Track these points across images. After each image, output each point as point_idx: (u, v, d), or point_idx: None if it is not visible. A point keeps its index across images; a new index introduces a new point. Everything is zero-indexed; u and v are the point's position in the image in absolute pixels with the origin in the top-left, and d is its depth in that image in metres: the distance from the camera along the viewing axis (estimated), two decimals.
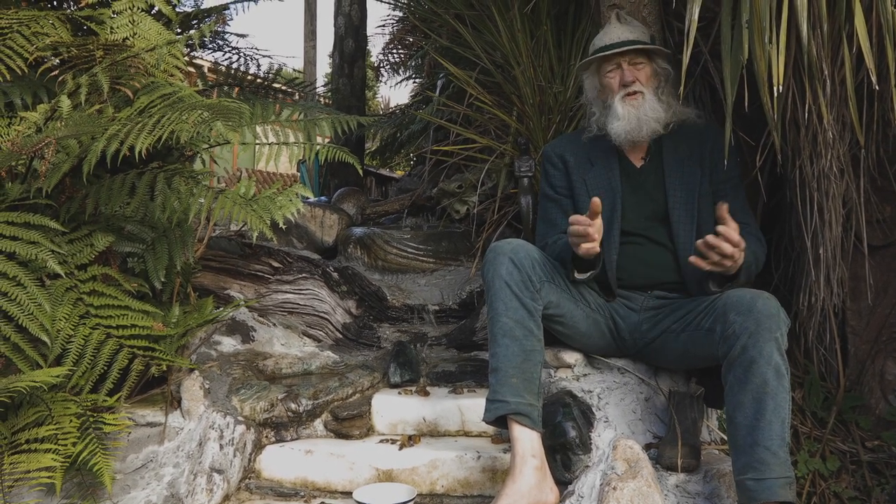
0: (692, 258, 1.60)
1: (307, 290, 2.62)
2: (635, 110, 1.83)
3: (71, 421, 1.65)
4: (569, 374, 1.87)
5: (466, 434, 1.97)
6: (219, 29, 3.69)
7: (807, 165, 1.92)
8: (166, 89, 1.87)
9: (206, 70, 3.77)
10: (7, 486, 1.51)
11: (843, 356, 2.19)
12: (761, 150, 1.93)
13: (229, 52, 3.52)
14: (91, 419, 1.69)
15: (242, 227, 3.18)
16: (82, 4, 2.22)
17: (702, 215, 1.84)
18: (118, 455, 1.78)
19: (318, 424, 2.00)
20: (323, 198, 4.25)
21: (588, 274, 1.75)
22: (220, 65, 3.72)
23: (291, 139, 2.21)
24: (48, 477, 1.54)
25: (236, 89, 3.39)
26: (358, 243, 3.10)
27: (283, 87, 3.94)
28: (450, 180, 3.32)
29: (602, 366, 1.87)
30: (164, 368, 1.90)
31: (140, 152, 1.59)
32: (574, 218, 1.65)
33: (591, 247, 1.64)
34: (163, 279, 1.99)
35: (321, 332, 2.56)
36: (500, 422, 1.65)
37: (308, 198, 3.76)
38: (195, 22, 3.07)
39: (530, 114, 2.86)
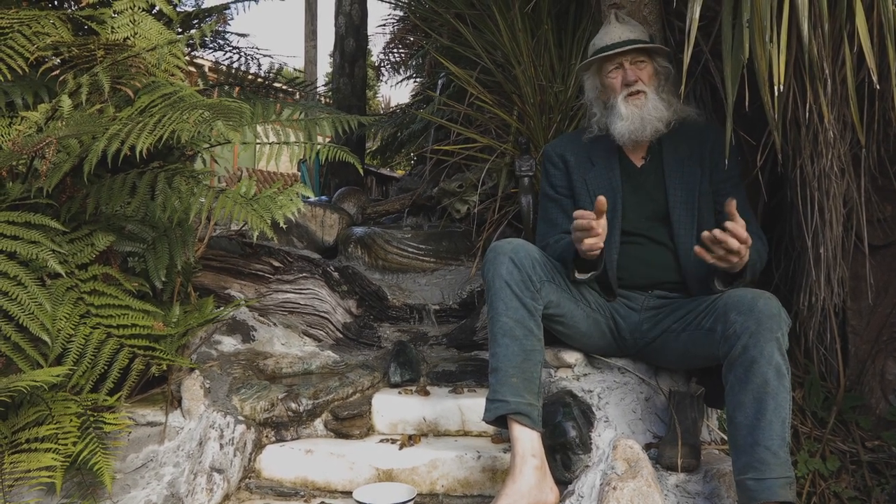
0: (697, 248, 1.59)
1: (308, 289, 2.62)
2: (638, 110, 1.83)
3: (71, 420, 1.65)
4: (569, 373, 1.87)
5: (467, 434, 1.97)
6: (219, 28, 3.69)
7: (807, 165, 1.91)
8: (167, 89, 1.87)
9: (206, 69, 3.77)
10: (7, 486, 1.51)
11: (843, 356, 2.19)
12: (762, 149, 1.92)
13: (230, 51, 3.52)
14: (91, 419, 1.69)
15: (243, 226, 3.18)
16: (83, 4, 2.22)
17: (702, 215, 1.84)
18: (118, 454, 1.78)
19: (319, 424, 2.00)
20: (323, 197, 4.25)
21: (589, 274, 1.75)
22: (221, 64, 3.72)
23: (292, 139, 2.21)
24: (48, 476, 1.54)
25: (237, 89, 3.39)
26: (358, 243, 3.10)
27: (284, 87, 3.95)
28: (450, 180, 3.32)
29: (602, 365, 1.87)
30: (165, 368, 1.90)
31: (141, 152, 1.59)
32: (579, 213, 1.63)
33: (595, 242, 1.63)
34: (163, 279, 1.99)
35: (321, 332, 2.56)
36: (500, 421, 1.65)
37: (308, 197, 3.76)
38: (196, 21, 3.07)
39: (531, 113, 2.86)
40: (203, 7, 3.50)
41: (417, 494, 1.70)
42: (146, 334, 1.85)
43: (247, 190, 1.83)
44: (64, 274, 1.77)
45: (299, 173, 6.63)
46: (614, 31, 1.90)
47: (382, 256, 3.02)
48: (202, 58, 4.65)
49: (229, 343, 2.25)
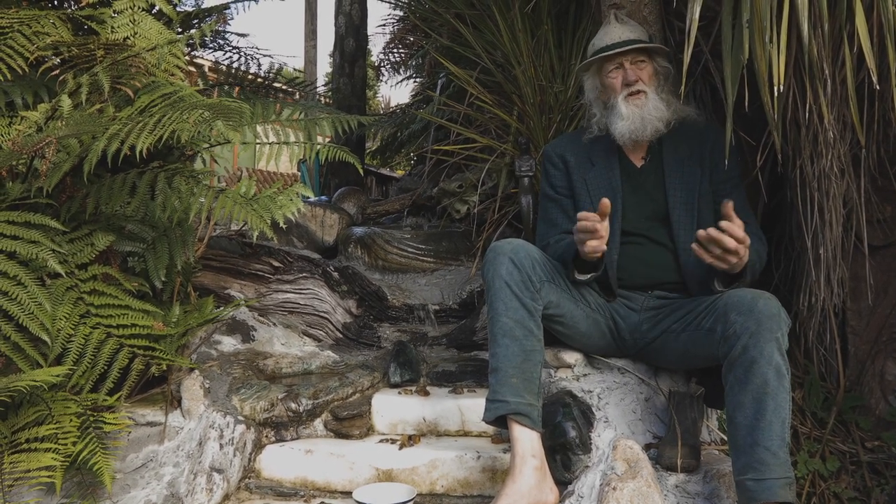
0: (694, 246, 1.59)
1: (307, 289, 2.62)
2: (639, 110, 1.83)
3: (71, 420, 1.65)
4: (569, 374, 1.87)
5: (466, 434, 1.97)
6: (219, 28, 3.70)
7: (807, 165, 1.91)
8: (167, 89, 1.87)
9: (206, 69, 3.77)
10: (7, 486, 1.51)
11: (843, 356, 2.19)
12: (762, 149, 1.92)
13: (230, 51, 3.52)
14: (91, 418, 1.69)
15: (243, 226, 3.18)
16: (83, 4, 2.22)
17: (702, 215, 1.84)
18: (118, 454, 1.78)
19: (318, 424, 2.00)
20: (323, 197, 4.25)
21: (589, 275, 1.75)
22: (221, 64, 3.73)
23: (292, 138, 2.21)
24: (48, 476, 1.54)
25: (237, 89, 3.39)
26: (358, 243, 3.10)
27: (284, 87, 3.95)
28: (450, 180, 3.32)
29: (602, 366, 1.87)
30: (165, 368, 1.90)
31: (141, 152, 1.59)
32: (583, 214, 1.63)
33: (598, 244, 1.63)
34: (163, 278, 1.99)
35: (321, 332, 2.56)
36: (499, 422, 1.65)
37: (308, 197, 3.76)
38: (196, 21, 3.07)
39: (531, 113, 2.86)
40: (203, 7, 3.50)
41: (417, 494, 1.70)
42: (146, 334, 1.85)
43: (247, 190, 1.83)
44: (64, 274, 1.77)
45: (299, 173, 6.63)
46: (614, 31, 1.90)
47: (382, 256, 3.02)
48: (202, 58, 4.65)
49: (229, 343, 2.25)
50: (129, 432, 1.85)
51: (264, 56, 3.60)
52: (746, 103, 1.71)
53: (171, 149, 2.23)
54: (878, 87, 1.55)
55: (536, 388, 1.65)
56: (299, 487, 1.83)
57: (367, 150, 6.35)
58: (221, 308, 2.22)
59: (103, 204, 1.87)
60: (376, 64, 7.20)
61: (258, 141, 2.17)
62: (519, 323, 1.64)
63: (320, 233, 3.30)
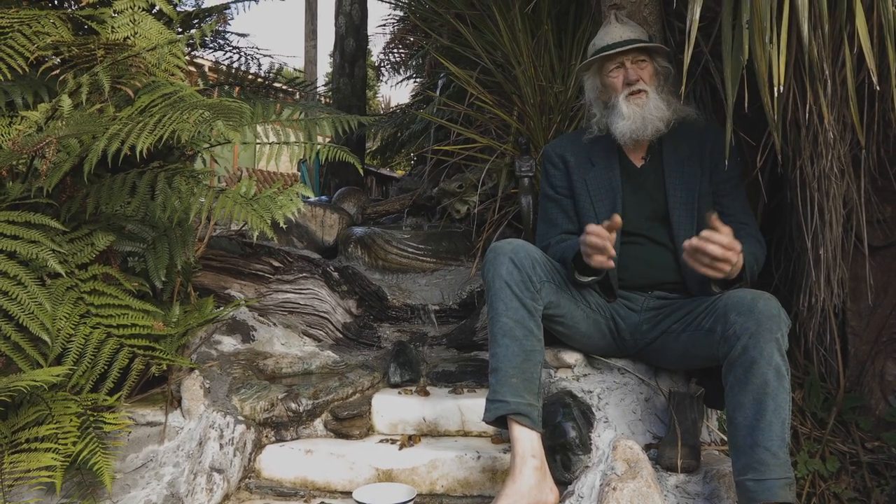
0: (684, 256, 1.59)
1: (307, 289, 2.62)
2: (640, 109, 1.83)
3: (71, 420, 1.65)
4: (569, 374, 1.87)
5: (466, 434, 1.97)
6: (220, 28, 3.70)
7: (807, 166, 1.92)
8: (167, 89, 1.87)
9: (206, 69, 3.78)
10: (7, 486, 1.51)
11: (843, 357, 2.19)
12: (762, 150, 1.92)
13: (230, 51, 3.53)
14: (91, 418, 1.69)
15: (243, 226, 3.18)
16: (83, 4, 2.22)
17: (702, 215, 1.84)
18: (118, 454, 1.78)
19: (318, 424, 2.00)
20: (323, 197, 4.26)
21: (591, 278, 1.75)
22: (221, 64, 3.73)
23: (292, 138, 2.21)
24: (48, 476, 1.54)
25: (237, 89, 3.39)
26: (358, 243, 3.10)
27: (284, 87, 3.95)
28: (450, 180, 3.32)
29: (602, 366, 1.87)
30: (165, 368, 1.90)
31: (141, 152, 1.59)
32: (594, 229, 1.62)
33: (605, 261, 1.63)
34: (163, 278, 1.99)
35: (321, 332, 2.56)
36: (500, 422, 1.65)
37: (308, 197, 3.76)
38: (196, 21, 3.07)
39: (531, 113, 2.86)
40: (203, 7, 3.50)
41: (417, 495, 1.70)
42: (146, 334, 1.85)
43: (247, 190, 1.83)
44: (64, 274, 1.77)
45: (299, 173, 6.63)
46: (615, 31, 1.91)
47: (382, 256, 3.02)
48: (202, 58, 4.65)
49: (229, 343, 2.25)
50: (129, 432, 1.85)
51: (264, 56, 3.61)
52: (746, 104, 1.71)
53: (172, 149, 2.23)
54: (878, 88, 1.55)
55: (536, 389, 1.65)
56: (299, 487, 1.83)
57: (368, 151, 6.35)
58: (221, 308, 2.22)
59: (103, 204, 1.87)
60: (376, 64, 7.20)
61: (258, 141, 2.18)
62: (519, 323, 1.64)
63: (320, 233, 3.30)
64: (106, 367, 1.79)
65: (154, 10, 2.38)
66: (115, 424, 1.72)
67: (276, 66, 3.65)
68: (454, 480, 1.78)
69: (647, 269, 1.83)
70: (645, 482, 1.44)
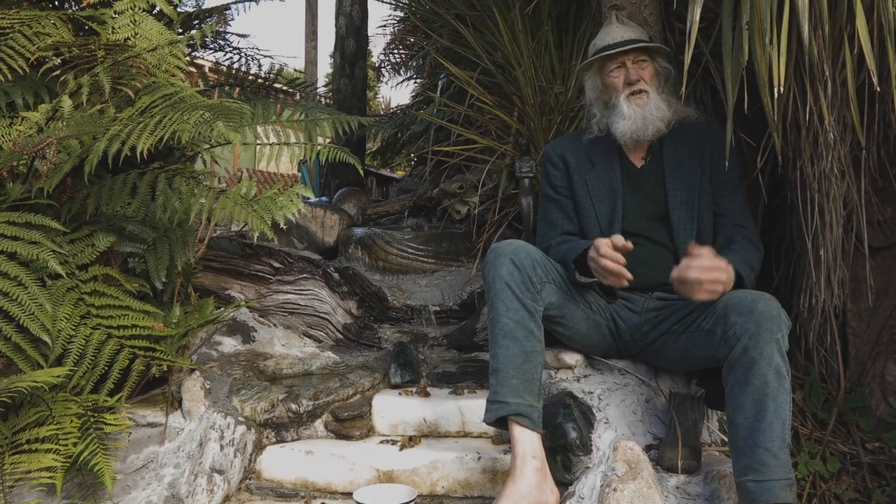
0: (676, 288, 1.60)
1: (308, 290, 2.62)
2: (641, 109, 1.83)
3: (72, 421, 1.65)
4: (569, 375, 1.87)
5: (467, 435, 1.97)
6: (220, 29, 3.70)
7: (807, 166, 1.92)
8: (168, 89, 1.87)
9: (207, 70, 3.78)
10: (8, 486, 1.51)
11: (843, 358, 2.19)
12: (762, 151, 1.92)
13: (230, 52, 3.53)
14: (92, 419, 1.69)
15: (243, 227, 3.18)
16: (84, 4, 2.23)
17: (702, 215, 1.85)
18: (119, 455, 1.78)
19: (319, 425, 2.00)
20: (324, 198, 4.26)
21: (592, 279, 1.75)
22: (222, 65, 3.73)
23: (292, 139, 2.21)
24: (49, 477, 1.54)
25: (237, 89, 3.39)
26: (359, 244, 3.10)
27: (285, 88, 3.95)
28: (451, 181, 3.32)
29: (603, 367, 1.87)
30: (165, 369, 1.90)
31: (141, 152, 1.59)
32: (609, 253, 1.62)
33: (619, 282, 1.64)
34: (164, 279, 1.99)
35: (322, 333, 2.56)
36: (500, 423, 1.65)
37: (309, 198, 3.77)
38: (196, 22, 3.07)
39: (531, 114, 2.86)
40: (203, 8, 3.50)
41: (418, 496, 1.70)
42: (146, 335, 1.85)
43: (247, 191, 1.83)
44: (64, 274, 1.77)
45: (299, 174, 6.63)
46: (615, 32, 1.91)
47: (383, 257, 3.02)
48: (203, 58, 4.66)
49: (230, 344, 2.25)
50: (130, 433, 1.85)
51: (265, 57, 3.61)
52: (746, 105, 1.71)
53: (172, 150, 2.23)
54: (878, 89, 1.55)
55: (537, 389, 1.65)
56: (300, 488, 1.83)
57: (368, 151, 6.35)
58: (222, 309, 2.22)
59: (104, 205, 1.87)
60: (377, 65, 7.21)
61: (259, 142, 2.18)
62: (519, 324, 1.64)
63: (321, 234, 3.30)
64: (106, 368, 1.79)
65: (154, 11, 2.38)
66: (116, 425, 1.72)
67: (277, 66, 3.66)
68: (455, 481, 1.78)
69: (647, 269, 1.83)
70: (646, 483, 1.44)
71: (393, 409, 2.02)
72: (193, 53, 3.49)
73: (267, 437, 1.95)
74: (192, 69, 3.05)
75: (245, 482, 1.84)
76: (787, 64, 1.59)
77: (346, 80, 5.20)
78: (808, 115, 1.76)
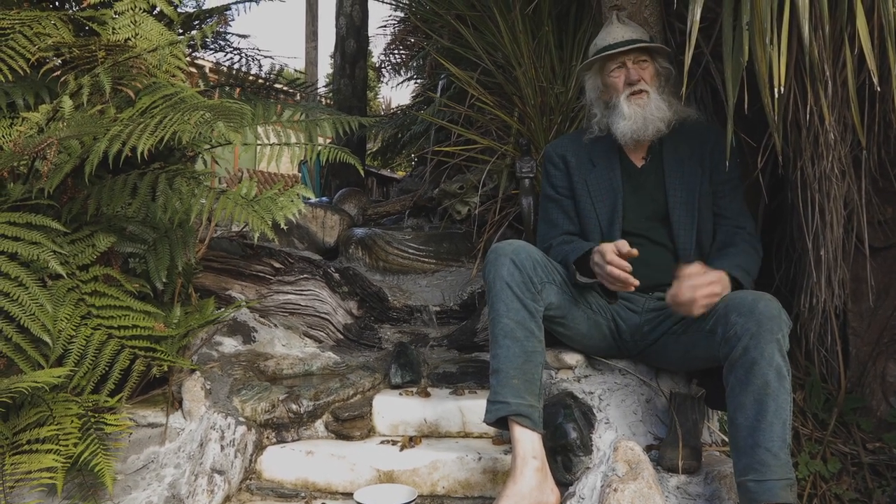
0: (674, 311, 1.63)
1: (308, 290, 2.62)
2: (641, 109, 1.83)
3: (72, 421, 1.65)
4: (570, 375, 1.87)
5: (467, 435, 1.97)
6: (220, 29, 3.70)
7: (808, 167, 1.92)
8: (168, 90, 1.87)
9: (207, 71, 3.78)
10: (8, 487, 1.51)
11: (844, 358, 2.19)
12: (762, 151, 1.92)
13: (231, 52, 3.53)
14: (92, 420, 1.69)
15: (244, 227, 3.18)
16: (84, 5, 2.23)
17: (702, 215, 1.84)
18: (119, 456, 1.78)
19: (319, 425, 2.00)
20: (324, 198, 4.26)
21: (593, 280, 1.75)
22: (222, 65, 3.73)
23: (293, 140, 2.21)
24: (49, 477, 1.54)
25: (238, 90, 3.39)
26: (359, 244, 3.10)
27: (285, 88, 3.95)
28: (451, 181, 3.32)
29: (603, 367, 1.87)
30: (166, 369, 1.90)
31: (142, 153, 1.59)
32: (617, 261, 1.64)
33: (626, 287, 1.65)
34: (164, 280, 1.99)
35: (322, 333, 2.56)
36: (500, 423, 1.65)
37: (309, 198, 3.77)
38: (197, 22, 3.07)
39: (532, 115, 2.86)
40: (204, 8, 3.50)
41: (418, 496, 1.70)
42: (147, 335, 1.85)
43: (248, 191, 1.83)
44: (65, 275, 1.77)
45: (300, 174, 6.63)
46: (616, 32, 1.91)
47: (383, 258, 3.02)
48: (203, 59, 4.65)
49: (230, 344, 2.25)
50: (131, 433, 1.85)
51: (265, 57, 3.61)
52: (747, 105, 1.71)
53: (173, 150, 2.23)
54: (878, 89, 1.55)
55: (537, 390, 1.65)
56: (300, 489, 1.83)
57: (368, 152, 6.35)
58: (222, 309, 2.22)
59: (104, 205, 1.87)
60: (377, 65, 7.21)
61: (259, 142, 2.18)
62: (520, 324, 1.64)
63: (321, 234, 3.30)
64: (107, 369, 1.79)
65: (155, 12, 2.39)
66: (117, 426, 1.73)
67: (277, 67, 3.66)
68: (455, 482, 1.78)
69: (648, 269, 1.82)
70: (646, 483, 1.44)
71: (393, 409, 2.02)
72: (194, 54, 3.49)
73: (267, 438, 1.95)
74: (193, 70, 3.05)
75: (245, 482, 1.84)
76: (788, 64, 1.59)
77: (347, 81, 5.20)
78: (808, 116, 1.76)
